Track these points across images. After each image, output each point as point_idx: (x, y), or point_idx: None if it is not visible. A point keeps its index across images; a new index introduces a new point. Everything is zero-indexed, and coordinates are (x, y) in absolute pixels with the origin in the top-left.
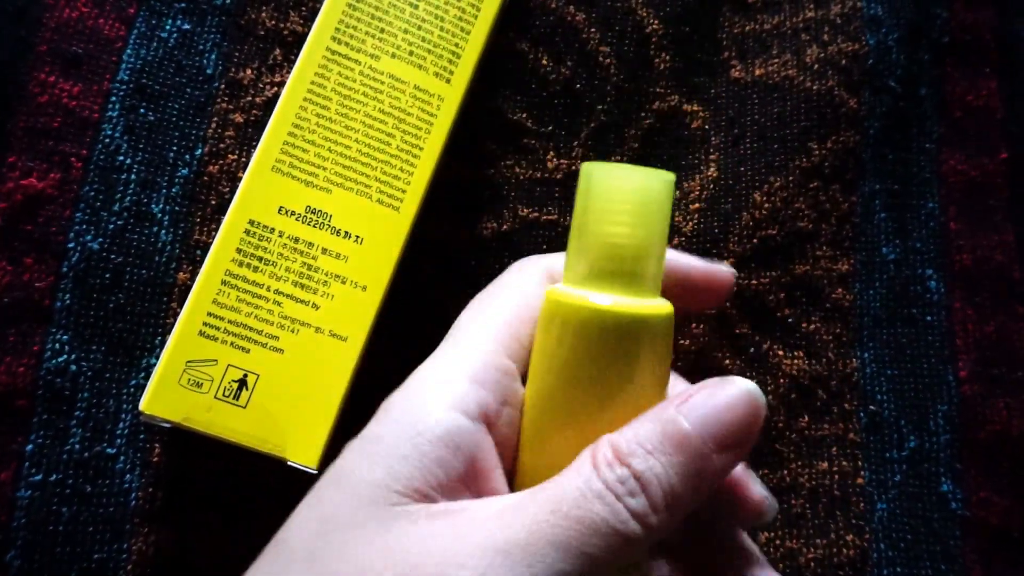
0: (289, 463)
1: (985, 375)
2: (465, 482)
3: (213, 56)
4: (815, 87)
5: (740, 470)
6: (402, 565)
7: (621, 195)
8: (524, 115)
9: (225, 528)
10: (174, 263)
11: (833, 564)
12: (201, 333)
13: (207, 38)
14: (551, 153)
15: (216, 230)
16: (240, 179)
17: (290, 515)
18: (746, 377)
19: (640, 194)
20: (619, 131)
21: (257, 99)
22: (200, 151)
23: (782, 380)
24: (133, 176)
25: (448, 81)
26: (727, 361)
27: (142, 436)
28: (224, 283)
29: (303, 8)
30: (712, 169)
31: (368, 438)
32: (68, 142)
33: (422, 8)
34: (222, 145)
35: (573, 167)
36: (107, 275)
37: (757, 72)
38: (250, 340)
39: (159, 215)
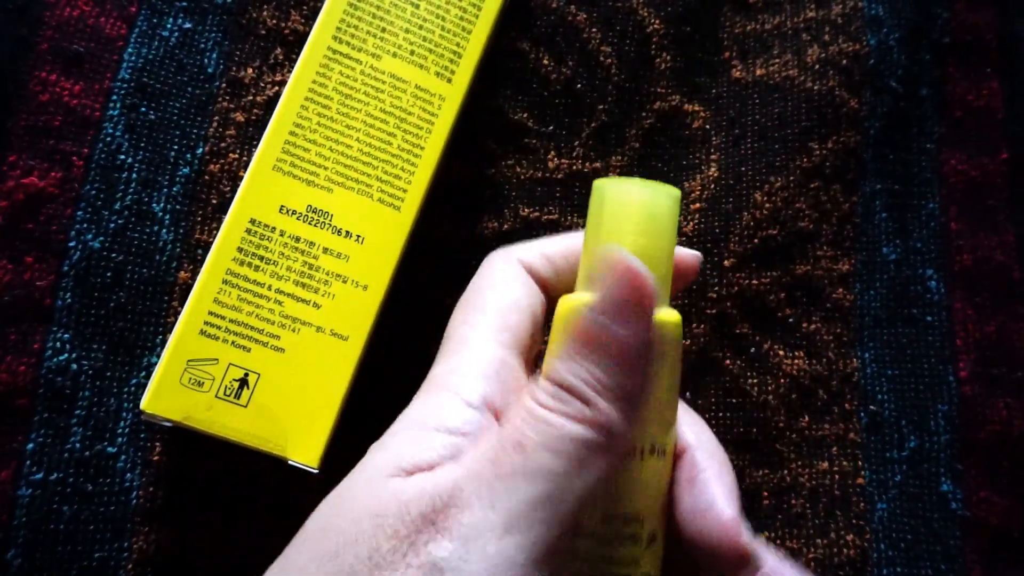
0: (290, 462)
1: (985, 375)
2: None
3: (214, 55)
4: (816, 87)
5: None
6: (373, 508)
7: (631, 210)
8: (525, 115)
9: (226, 527)
10: (175, 262)
11: (833, 564)
12: (202, 332)
13: (208, 37)
14: (552, 153)
15: (217, 229)
16: (241, 178)
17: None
18: (747, 377)
19: (649, 208)
20: (620, 131)
21: (258, 98)
22: (201, 150)
23: (782, 380)
24: (134, 175)
25: (449, 81)
26: (727, 361)
27: (143, 435)
28: (225, 282)
29: (304, 7)
30: (713, 169)
31: (385, 435)
32: (69, 141)
33: (423, 7)
34: (223, 144)
35: (574, 167)
36: (108, 274)
37: (758, 72)
38: (251, 339)
39: (160, 214)
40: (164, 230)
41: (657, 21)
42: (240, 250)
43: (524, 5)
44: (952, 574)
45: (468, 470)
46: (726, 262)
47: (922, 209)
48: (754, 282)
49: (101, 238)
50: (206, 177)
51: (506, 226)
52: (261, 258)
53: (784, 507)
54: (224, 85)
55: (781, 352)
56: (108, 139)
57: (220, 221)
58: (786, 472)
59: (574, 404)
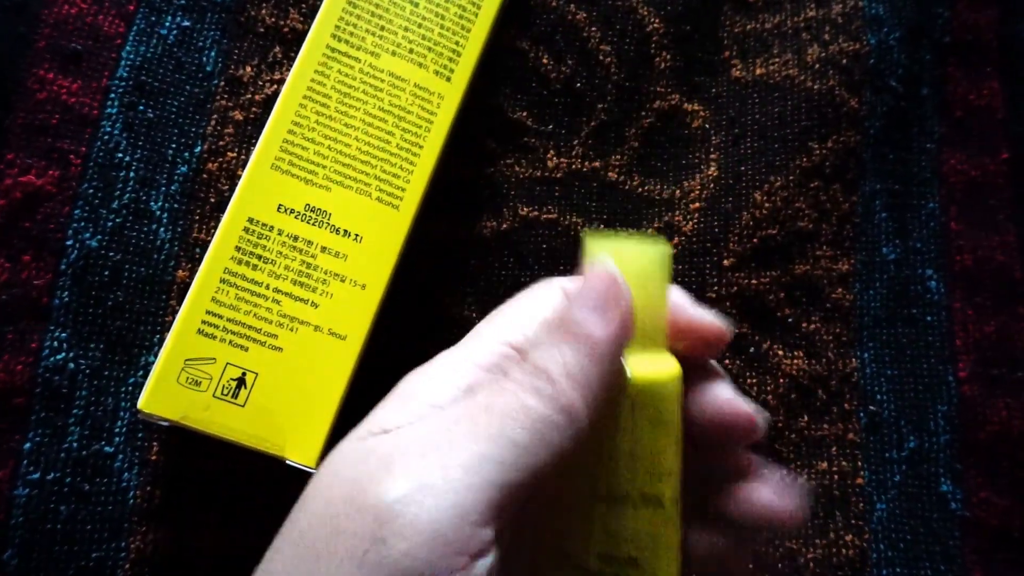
0: (288, 462)
1: (985, 375)
2: None
3: (213, 53)
4: (816, 86)
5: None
6: (338, 468)
7: (623, 267)
8: (524, 114)
9: (223, 526)
10: (173, 261)
11: (832, 564)
12: (200, 331)
13: (207, 35)
14: (551, 152)
15: (215, 228)
16: (239, 177)
17: None
18: (746, 377)
19: (639, 265)
20: (619, 130)
21: (256, 96)
22: (199, 148)
23: (782, 380)
24: (132, 173)
25: (448, 79)
26: (727, 361)
27: (140, 434)
28: (223, 281)
29: (303, 5)
30: (713, 168)
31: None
32: (67, 139)
33: (422, 6)
34: (221, 143)
35: (573, 166)
36: (106, 273)
37: (758, 71)
38: (249, 338)
39: (158, 213)
40: (162, 229)
41: (657, 20)
42: (238, 249)
43: (524, 4)
44: (951, 574)
45: (434, 425)
46: (725, 261)
47: (922, 209)
48: (753, 282)
49: (99, 237)
50: (204, 176)
51: (505, 225)
52: (259, 257)
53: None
54: (222, 83)
55: (780, 352)
56: (106, 137)
57: (218, 220)
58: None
59: (540, 383)
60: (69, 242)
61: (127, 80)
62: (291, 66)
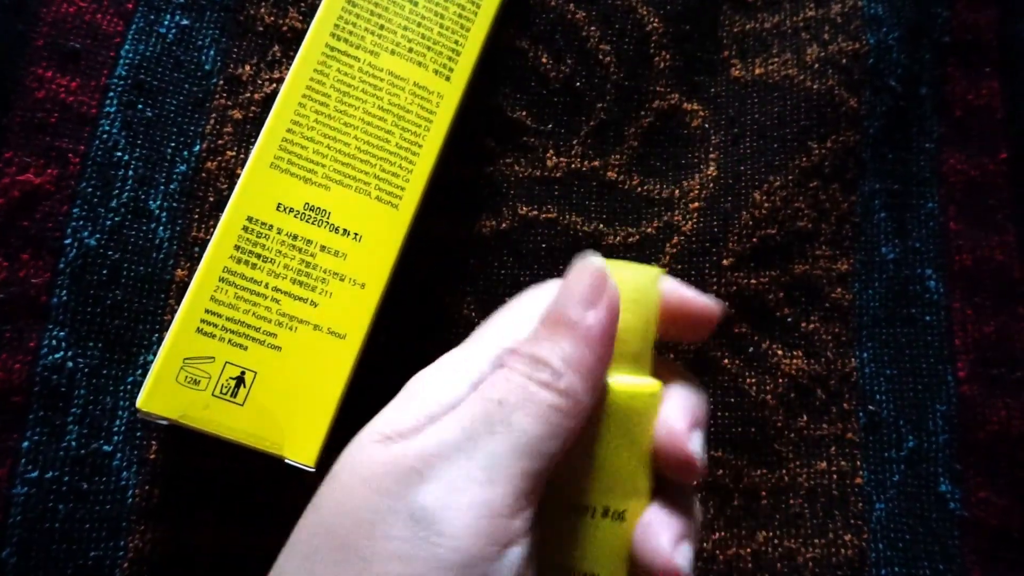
0: (287, 461)
1: (984, 375)
2: None
3: (212, 52)
4: (815, 86)
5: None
6: (363, 473)
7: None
8: (524, 113)
9: (222, 525)
10: (172, 260)
11: (831, 564)
12: (199, 330)
13: (206, 34)
14: (551, 151)
15: (214, 227)
16: (238, 176)
17: None
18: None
19: (631, 288)
20: (619, 129)
21: (256, 95)
22: (198, 147)
23: (781, 380)
24: (131, 172)
25: (447, 78)
26: (726, 360)
27: (139, 433)
28: (222, 280)
29: (302, 4)
30: (712, 168)
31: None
32: (65, 138)
33: (422, 5)
34: (220, 141)
35: (573, 165)
36: (104, 272)
37: (757, 71)
38: (248, 337)
39: (157, 211)
40: (161, 228)
41: (656, 20)
42: (237, 248)
43: (523, 3)
44: (951, 574)
45: (451, 427)
46: (725, 261)
47: (921, 209)
48: (753, 281)
49: (97, 236)
50: (203, 175)
51: (504, 224)
52: (258, 256)
53: (782, 507)
54: (221, 82)
55: (780, 352)
56: (104, 136)
57: (217, 219)
58: (784, 472)
59: (545, 373)
60: (68, 241)
61: (126, 79)
62: (290, 65)
